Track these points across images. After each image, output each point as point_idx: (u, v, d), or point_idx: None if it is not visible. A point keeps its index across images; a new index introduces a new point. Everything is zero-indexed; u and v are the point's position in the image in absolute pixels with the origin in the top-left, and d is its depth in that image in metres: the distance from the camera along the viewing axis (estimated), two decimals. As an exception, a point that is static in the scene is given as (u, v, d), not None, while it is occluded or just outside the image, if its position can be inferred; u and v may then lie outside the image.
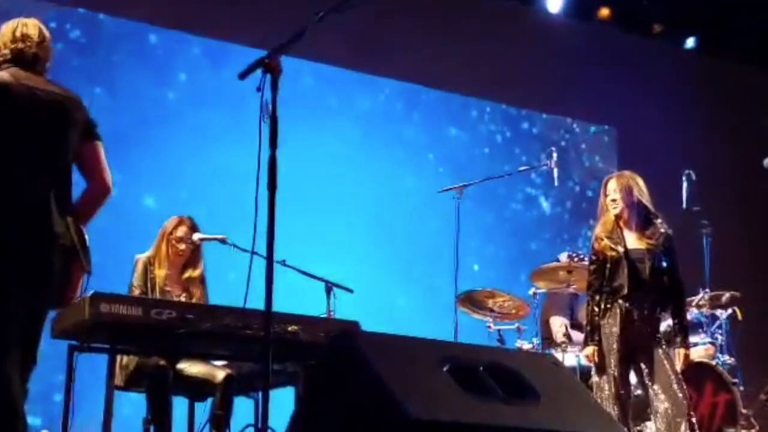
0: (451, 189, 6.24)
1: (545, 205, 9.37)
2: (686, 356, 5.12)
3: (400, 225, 8.24)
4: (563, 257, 6.40)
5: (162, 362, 4.66)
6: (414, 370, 2.71)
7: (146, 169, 7.17)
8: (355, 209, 8.06)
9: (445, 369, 2.73)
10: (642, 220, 5.20)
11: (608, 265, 5.11)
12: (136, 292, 4.98)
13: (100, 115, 3.69)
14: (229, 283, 5.15)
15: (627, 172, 5.33)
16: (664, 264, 5.12)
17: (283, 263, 4.89)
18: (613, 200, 5.20)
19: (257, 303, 3.62)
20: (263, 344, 3.14)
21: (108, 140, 3.67)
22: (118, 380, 4.60)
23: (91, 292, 3.82)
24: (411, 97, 8.82)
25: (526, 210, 9.24)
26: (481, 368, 2.82)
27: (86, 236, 3.48)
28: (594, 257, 5.23)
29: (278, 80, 3.14)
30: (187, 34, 7.77)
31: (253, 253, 3.31)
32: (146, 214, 6.93)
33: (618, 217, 5.19)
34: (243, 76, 3.19)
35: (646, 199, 5.21)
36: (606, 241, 5.14)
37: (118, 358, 4.53)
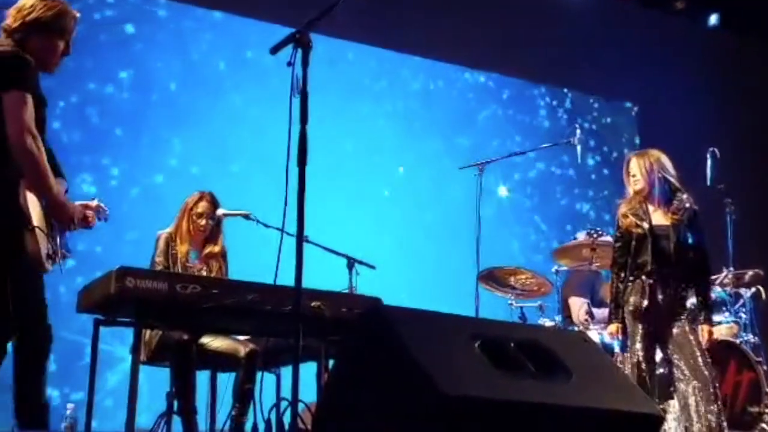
0: (472, 165, 6.20)
1: (567, 182, 9.32)
2: (710, 333, 5.06)
3: (422, 201, 8.23)
4: (581, 236, 6.37)
5: (186, 336, 4.66)
6: (445, 345, 2.69)
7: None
8: (377, 186, 8.05)
9: (476, 345, 2.71)
10: (666, 196, 5.16)
11: (633, 242, 5.09)
12: (159, 267, 4.98)
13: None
14: (248, 258, 5.16)
15: (650, 150, 5.29)
16: (690, 240, 5.08)
17: (306, 240, 4.85)
18: (634, 176, 5.18)
19: (281, 278, 3.62)
20: (294, 319, 3.13)
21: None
22: (141, 356, 4.59)
23: (118, 266, 3.81)
24: (430, 74, 8.78)
25: (548, 188, 9.19)
26: (513, 345, 2.80)
27: None
28: (619, 234, 5.22)
29: (309, 55, 3.11)
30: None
31: (282, 230, 3.29)
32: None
33: (638, 192, 5.16)
34: (275, 51, 3.16)
35: (670, 175, 5.17)
36: (631, 219, 5.12)
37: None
